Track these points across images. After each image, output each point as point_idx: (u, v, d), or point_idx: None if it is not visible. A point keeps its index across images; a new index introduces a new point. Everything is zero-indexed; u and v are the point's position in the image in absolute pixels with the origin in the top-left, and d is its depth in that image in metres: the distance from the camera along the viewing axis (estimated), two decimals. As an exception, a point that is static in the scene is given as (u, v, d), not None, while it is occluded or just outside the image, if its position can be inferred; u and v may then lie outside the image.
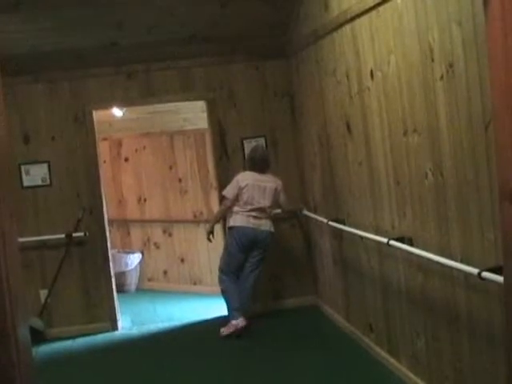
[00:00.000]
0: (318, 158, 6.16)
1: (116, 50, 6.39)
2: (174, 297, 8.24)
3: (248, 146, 6.71)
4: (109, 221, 7.12)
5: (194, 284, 8.46)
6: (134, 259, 8.73)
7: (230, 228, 6.29)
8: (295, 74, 6.64)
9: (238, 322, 6.07)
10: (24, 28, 5.79)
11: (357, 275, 5.45)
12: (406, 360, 4.60)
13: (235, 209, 6.25)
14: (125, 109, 7.76)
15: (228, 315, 6.22)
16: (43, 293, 6.58)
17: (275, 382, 5.00)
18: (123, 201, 9.06)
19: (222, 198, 6.45)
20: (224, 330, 6.14)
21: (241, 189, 6.20)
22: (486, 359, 3.47)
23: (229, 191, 6.26)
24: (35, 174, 6.56)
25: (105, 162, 8.63)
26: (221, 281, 6.32)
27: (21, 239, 6.38)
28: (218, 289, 6.52)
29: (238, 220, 6.23)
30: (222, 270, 6.33)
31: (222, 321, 6.38)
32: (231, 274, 6.25)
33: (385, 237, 4.47)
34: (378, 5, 4.27)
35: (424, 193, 3.94)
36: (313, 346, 5.67)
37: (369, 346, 5.30)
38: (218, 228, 6.66)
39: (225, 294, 6.28)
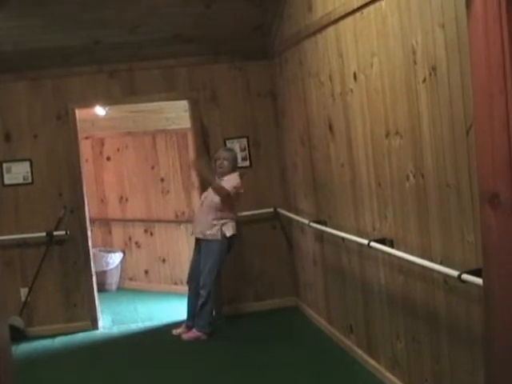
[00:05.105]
0: (300, 158, 6.17)
1: (99, 49, 6.36)
2: (154, 296, 8.22)
3: (231, 146, 6.70)
4: (90, 220, 7.10)
5: (175, 284, 8.43)
6: (115, 258, 8.70)
7: (232, 236, 6.10)
8: (278, 74, 6.65)
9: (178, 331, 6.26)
10: (7, 25, 5.75)
11: (337, 276, 5.46)
12: (385, 361, 4.62)
13: (231, 216, 6.12)
14: (107, 107, 7.72)
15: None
16: (23, 291, 6.54)
17: (253, 382, 5.01)
18: (105, 200, 9.01)
19: (228, 194, 6.02)
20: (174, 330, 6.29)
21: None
22: (465, 361, 3.50)
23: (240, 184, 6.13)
24: (17, 172, 6.51)
25: (87, 160, 8.60)
26: (208, 293, 6.04)
27: (1, 237, 6.36)
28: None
29: (235, 228, 6.13)
30: (214, 283, 6.09)
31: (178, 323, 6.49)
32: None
33: (366, 238, 4.49)
34: (362, 7, 4.28)
35: (405, 195, 3.96)
36: (293, 347, 5.67)
37: (349, 347, 5.31)
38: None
39: (205, 305, 6.04)
